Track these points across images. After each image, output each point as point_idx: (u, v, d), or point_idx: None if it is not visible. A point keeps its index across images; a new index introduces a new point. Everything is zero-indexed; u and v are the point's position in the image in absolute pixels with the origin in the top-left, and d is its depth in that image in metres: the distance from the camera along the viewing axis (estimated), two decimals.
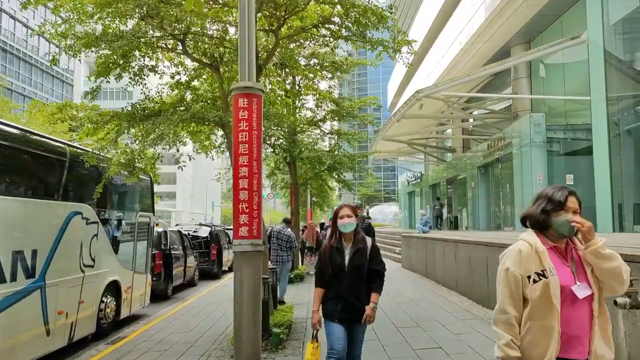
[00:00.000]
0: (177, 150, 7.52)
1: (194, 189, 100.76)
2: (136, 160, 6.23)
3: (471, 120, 26.35)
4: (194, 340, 7.26)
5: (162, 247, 13.05)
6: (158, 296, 12.71)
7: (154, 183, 9.45)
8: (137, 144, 6.37)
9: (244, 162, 4.79)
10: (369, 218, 18.34)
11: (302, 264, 15.54)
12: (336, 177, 13.88)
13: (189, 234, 17.94)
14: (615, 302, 4.49)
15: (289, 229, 9.91)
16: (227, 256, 19.26)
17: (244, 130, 4.79)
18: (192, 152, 9.72)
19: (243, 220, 4.78)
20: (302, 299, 10.24)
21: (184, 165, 7.74)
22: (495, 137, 19.83)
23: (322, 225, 17.32)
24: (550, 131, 16.64)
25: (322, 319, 4.10)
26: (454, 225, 27.64)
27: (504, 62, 18.45)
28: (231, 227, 22.16)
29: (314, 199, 39.51)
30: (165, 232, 12.77)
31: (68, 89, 65.58)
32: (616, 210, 14.54)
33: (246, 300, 4.70)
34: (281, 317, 6.79)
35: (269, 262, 9.75)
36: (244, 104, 4.79)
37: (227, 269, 19.16)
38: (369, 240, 4.18)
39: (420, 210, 18.39)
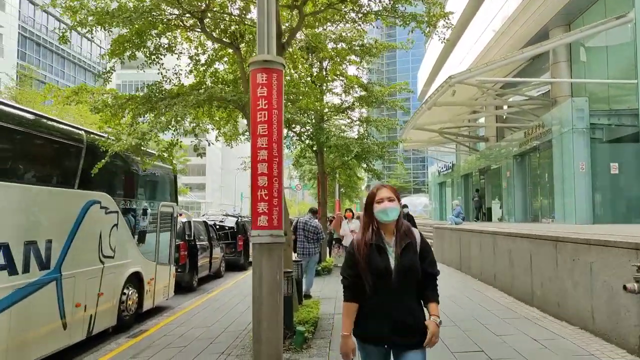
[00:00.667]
0: (196, 136, 7.10)
1: (223, 181, 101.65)
2: (143, 142, 5.80)
3: (505, 107, 25.30)
4: (215, 336, 6.89)
5: (187, 238, 12.79)
6: (183, 288, 12.50)
7: (174, 172, 9.09)
8: (149, 126, 5.96)
9: (262, 145, 4.33)
10: (406, 206, 17.65)
11: (330, 256, 15.09)
12: (365, 166, 13.30)
13: (215, 224, 17.73)
14: (624, 287, 3.96)
15: (316, 220, 9.46)
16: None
17: (263, 109, 4.33)
18: (214, 140, 9.31)
19: (262, 209, 4.33)
20: (330, 293, 9.78)
21: (204, 153, 7.32)
22: (533, 125, 18.88)
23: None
24: (593, 117, 15.66)
25: (357, 344, 2.90)
26: (487, 216, 26.71)
27: (543, 45, 17.45)
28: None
29: (341, 189, 38.98)
30: (190, 222, 12.50)
31: (100, 81, 66.53)
32: None
33: (266, 297, 4.26)
34: (306, 314, 6.34)
35: (295, 254, 9.34)
36: (262, 80, 4.32)
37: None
38: (416, 232, 3.00)
39: (454, 201, 17.65)
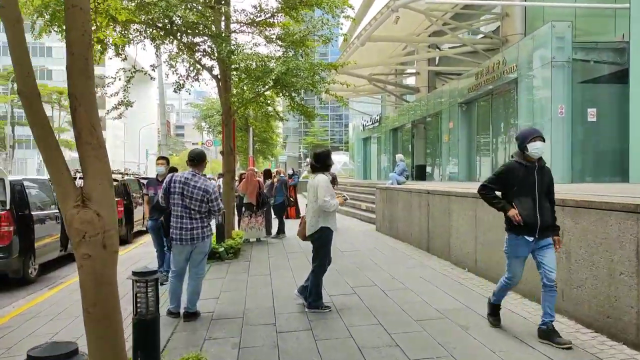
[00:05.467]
0: None
1: (127, 136, 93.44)
2: None
3: (445, 47, 22.06)
4: None
5: (13, 207, 8.15)
6: (17, 281, 8.18)
7: None
8: None
9: None
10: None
11: (239, 228, 10.98)
12: (289, 97, 9.12)
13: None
14: None
15: (207, 178, 5.22)
16: (141, 214, 14.40)
17: None
18: None
19: None
20: (235, 302, 5.74)
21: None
22: (489, 63, 15.65)
23: (266, 173, 12.70)
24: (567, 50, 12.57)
25: None
26: (419, 176, 23.78)
27: None
28: (146, 177, 17.21)
29: (256, 146, 34.48)
30: (13, 184, 7.82)
31: None
32: None
33: None
34: None
35: (166, 240, 5.28)
36: None
37: (145, 228, 14.13)
38: None
39: (397, 155, 14.22)
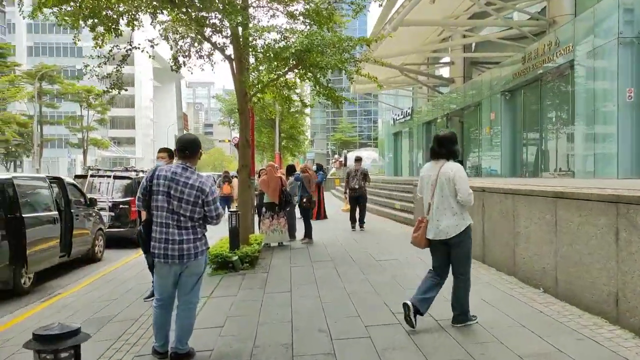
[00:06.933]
0: None
1: (156, 135, 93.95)
2: None
3: (483, 33, 20.35)
4: None
5: (1, 209, 7.18)
6: (8, 292, 7.26)
7: None
8: None
9: None
10: (360, 159, 12.81)
11: (260, 231, 9.72)
12: (314, 79, 7.77)
13: (92, 183, 12.24)
14: None
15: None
16: None
17: None
18: None
19: None
20: (245, 331, 4.48)
21: None
22: (537, 46, 13.99)
23: (289, 169, 11.35)
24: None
25: None
26: None
27: None
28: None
29: (283, 143, 33.24)
30: (2, 183, 6.80)
31: None
32: None
33: None
34: None
35: (149, 253, 4.05)
36: None
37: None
38: None
39: None
